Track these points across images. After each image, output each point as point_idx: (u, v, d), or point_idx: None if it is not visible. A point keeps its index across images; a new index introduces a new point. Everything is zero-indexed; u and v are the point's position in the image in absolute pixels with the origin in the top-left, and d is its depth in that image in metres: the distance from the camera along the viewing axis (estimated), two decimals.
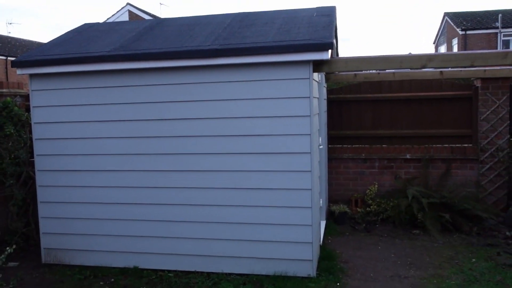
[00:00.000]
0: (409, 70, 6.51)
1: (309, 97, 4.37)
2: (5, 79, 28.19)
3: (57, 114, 4.97)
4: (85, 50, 4.88)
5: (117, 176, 4.91)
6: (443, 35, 32.65)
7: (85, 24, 6.16)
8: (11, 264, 5.21)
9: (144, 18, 23.71)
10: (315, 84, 4.78)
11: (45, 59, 4.82)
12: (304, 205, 4.49)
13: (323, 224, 6.13)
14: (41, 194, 5.14)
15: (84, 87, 4.87)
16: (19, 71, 4.95)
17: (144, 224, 4.89)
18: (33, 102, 5.03)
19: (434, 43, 36.06)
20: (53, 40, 5.56)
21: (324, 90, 6.52)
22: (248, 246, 4.68)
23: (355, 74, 6.64)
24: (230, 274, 4.73)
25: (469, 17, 28.84)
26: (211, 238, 4.76)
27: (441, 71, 6.45)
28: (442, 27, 32.87)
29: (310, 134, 4.40)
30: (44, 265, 5.16)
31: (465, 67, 4.54)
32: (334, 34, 4.44)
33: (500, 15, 26.73)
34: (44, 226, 5.18)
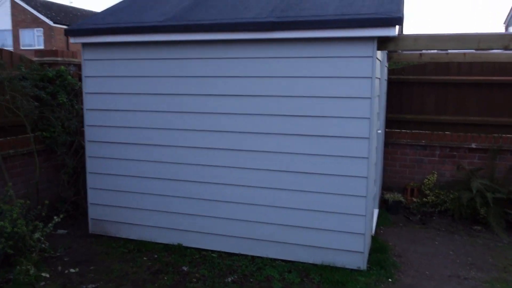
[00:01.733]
0: (482, 51, 5.90)
1: (371, 77, 3.99)
2: (65, 48, 29.21)
3: (107, 84, 4.90)
4: (138, 20, 4.73)
5: (164, 151, 4.79)
6: None
7: None
8: (60, 231, 5.30)
9: None
10: (378, 64, 4.39)
11: (97, 28, 4.73)
12: (358, 194, 4.18)
13: (376, 213, 5.79)
14: (90, 165, 5.14)
15: (135, 58, 4.75)
16: (72, 40, 4.91)
17: (189, 201, 4.78)
18: (84, 71, 4.98)
19: (504, 23, 33.52)
20: (108, 8, 5.46)
21: (386, 70, 6.06)
22: (296, 232, 4.45)
23: (420, 54, 6.12)
24: (275, 259, 4.54)
25: None
26: (257, 221, 4.57)
27: None
28: None
29: (369, 118, 4.05)
30: (91, 235, 5.20)
31: None
32: (402, 8, 4.01)
33: None
34: (92, 196, 5.20)
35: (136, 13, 4.98)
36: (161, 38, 4.48)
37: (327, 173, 4.26)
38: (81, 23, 4.99)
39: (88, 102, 5.02)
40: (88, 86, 4.99)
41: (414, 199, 6.51)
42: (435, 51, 6.05)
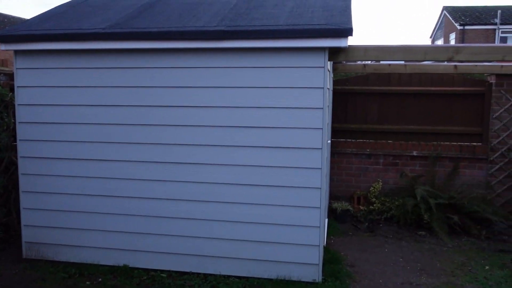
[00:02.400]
0: (422, 62, 6.15)
1: (323, 87, 3.98)
2: None
3: (44, 95, 4.52)
4: (77, 26, 4.42)
5: (108, 166, 4.49)
6: (441, 29, 32.37)
7: None
8: None
9: None
10: (327, 74, 4.40)
11: (32, 34, 4.35)
12: (312, 205, 4.13)
13: (325, 223, 5.79)
14: (24, 183, 4.70)
15: (75, 67, 4.42)
16: (3, 47, 4.47)
17: (135, 219, 4.50)
18: (17, 81, 4.56)
19: (430, 37, 35.80)
20: (42, 13, 5.07)
21: (331, 81, 6.14)
22: (249, 246, 4.32)
23: (364, 64, 6.27)
24: (228, 276, 4.37)
25: (468, 12, 28.55)
26: (209, 237, 4.38)
27: (455, 65, 6.10)
28: (440, 21, 32.56)
29: (322, 128, 4.03)
30: (25, 260, 4.75)
31: (489, 61, 4.19)
32: (351, 19, 4.05)
33: (499, 11, 26.45)
34: (26, 218, 4.75)
35: (76, 19, 4.67)
36: (104, 46, 4.21)
37: (280, 185, 4.18)
38: (13, 28, 4.58)
39: (21, 114, 4.60)
40: (21, 97, 4.58)
41: (361, 207, 6.62)
42: (379, 62, 6.23)
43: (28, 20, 4.86)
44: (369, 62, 6.20)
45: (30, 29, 4.47)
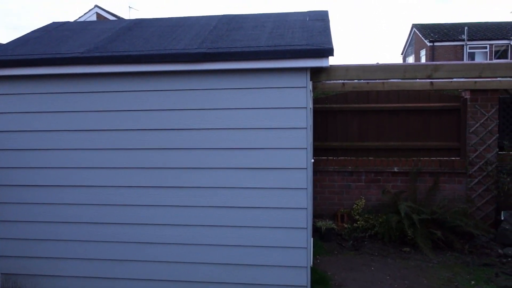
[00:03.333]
0: (398, 80, 6.26)
1: (306, 107, 3.99)
2: None
3: (18, 121, 4.38)
4: (55, 51, 4.33)
5: (87, 192, 4.35)
6: (411, 46, 33.27)
7: (54, 23, 5.59)
8: None
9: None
10: (309, 94, 4.41)
11: (8, 60, 4.23)
12: (299, 226, 4.09)
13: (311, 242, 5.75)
14: None
15: (51, 92, 4.30)
16: None
17: (118, 246, 4.36)
18: None
19: (402, 54, 36.71)
20: (16, 39, 4.96)
21: (311, 100, 6.17)
22: (237, 270, 4.22)
23: (343, 83, 6.33)
24: None
25: (436, 29, 29.48)
26: (194, 261, 4.27)
27: (431, 82, 6.24)
28: (410, 38, 33.49)
29: (306, 148, 4.02)
30: None
31: (470, 77, 4.25)
32: (331, 39, 4.09)
33: (466, 28, 27.42)
34: (1, 248, 4.55)
35: (53, 44, 4.58)
36: (83, 70, 4.12)
37: (265, 206, 4.12)
38: None
39: None
40: None
41: (345, 225, 6.61)
42: (358, 80, 6.31)
43: (2, 45, 4.74)
44: (348, 80, 6.27)
45: (5, 54, 4.36)
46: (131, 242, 4.34)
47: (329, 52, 3.79)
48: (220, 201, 4.17)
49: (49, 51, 4.36)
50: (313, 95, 6.94)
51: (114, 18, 23.37)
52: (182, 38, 4.46)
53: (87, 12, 23.66)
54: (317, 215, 6.86)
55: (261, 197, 4.11)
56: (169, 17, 5.44)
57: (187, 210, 4.23)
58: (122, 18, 23.61)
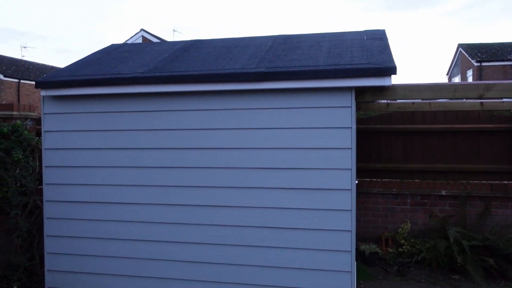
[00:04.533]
0: (446, 100, 6.07)
1: (351, 127, 3.92)
2: (16, 102, 28.18)
3: (70, 139, 4.56)
4: (116, 71, 4.49)
5: (134, 209, 4.44)
6: (457, 66, 32.40)
7: (113, 45, 5.81)
8: None
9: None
10: (354, 113, 4.35)
11: (74, 80, 4.41)
12: (343, 249, 3.98)
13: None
14: (49, 227, 4.67)
15: (107, 111, 4.46)
16: (43, 92, 4.52)
17: (161, 264, 4.40)
18: (45, 126, 4.63)
19: (447, 74, 35.82)
20: (79, 60, 5.18)
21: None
22: None
23: (387, 103, 6.21)
24: None
25: (484, 49, 28.60)
26: (237, 282, 4.24)
27: (481, 102, 6.00)
28: (456, 58, 32.65)
29: (351, 169, 3.94)
30: None
31: None
32: (393, 58, 4.02)
33: None
34: (50, 262, 4.69)
35: (113, 65, 4.76)
36: (143, 89, 4.24)
37: (309, 227, 4.06)
38: (52, 75, 4.66)
39: (48, 158, 4.63)
40: (47, 141, 4.62)
41: (390, 250, 6.37)
42: (403, 100, 6.17)
43: (67, 66, 4.94)
44: (391, 100, 6.13)
45: (70, 75, 4.55)
46: (174, 261, 4.36)
47: (392, 70, 3.72)
48: (262, 221, 4.13)
49: (111, 71, 4.53)
50: (356, 115, 6.84)
51: (158, 41, 24.15)
52: (239, 58, 4.51)
53: (133, 36, 24.59)
54: (360, 238, 6.67)
55: (304, 218, 4.05)
56: (223, 38, 5.53)
57: (230, 229, 4.22)
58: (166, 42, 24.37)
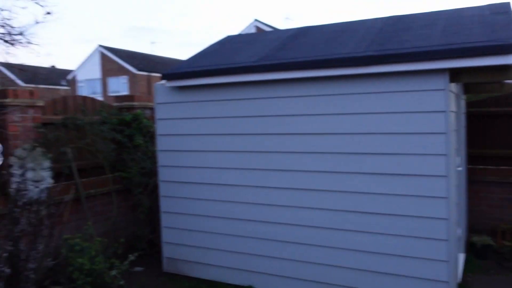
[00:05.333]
0: None
1: (446, 111, 3.75)
2: (147, 93, 31.22)
3: (180, 126, 5.06)
4: (230, 61, 4.82)
5: (236, 191, 4.80)
6: None
7: (228, 36, 6.16)
8: (137, 268, 5.44)
9: None
10: (452, 96, 4.14)
11: (193, 71, 4.81)
12: (438, 237, 3.85)
13: (461, 257, 5.30)
14: (164, 204, 5.28)
15: (217, 100, 4.80)
16: (168, 84, 5.01)
17: (261, 242, 4.70)
18: (158, 114, 5.21)
19: None
20: (198, 52, 5.59)
21: (463, 103, 5.71)
22: (370, 276, 4.18)
23: (501, 83, 5.68)
24: None
25: None
26: (329, 264, 4.36)
27: None
28: None
29: (446, 155, 3.77)
30: (165, 274, 5.28)
31: None
32: None
33: None
34: (165, 235, 5.31)
35: (227, 55, 5.09)
36: (254, 78, 4.47)
37: (401, 214, 4.00)
38: (176, 67, 5.15)
39: (161, 143, 5.22)
40: (160, 128, 5.20)
41: (506, 243, 5.89)
42: None
43: (187, 59, 5.39)
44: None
45: (190, 66, 4.97)
46: (273, 240, 4.63)
47: None
48: (353, 206, 4.18)
49: (225, 62, 4.86)
50: (467, 98, 6.39)
51: (270, 30, 24.65)
52: (348, 42, 4.50)
53: (247, 26, 25.53)
54: (472, 229, 6.26)
55: (396, 204, 4.00)
56: (333, 23, 5.52)
57: (322, 213, 4.34)
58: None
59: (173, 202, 5.21)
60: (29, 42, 3.89)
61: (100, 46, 34.39)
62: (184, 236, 5.17)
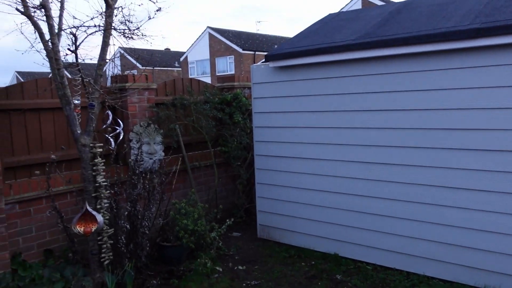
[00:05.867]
0: None
1: None
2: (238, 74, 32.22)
3: (274, 104, 5.45)
4: (330, 40, 4.92)
5: (324, 164, 5.09)
6: None
7: (329, 15, 6.27)
8: (235, 234, 6.05)
9: (376, 4, 23.40)
10: None
11: (293, 51, 5.04)
12: None
13: None
14: (258, 176, 5.77)
15: (317, 78, 4.99)
16: (271, 64, 5.31)
17: (347, 213, 4.96)
18: (254, 93, 5.66)
19: None
20: (300, 32, 5.79)
21: None
22: (457, 251, 4.23)
23: None
24: (432, 278, 4.38)
25: None
26: (415, 237, 4.48)
27: None
28: None
29: None
30: (259, 239, 5.81)
31: None
32: None
33: None
34: (259, 204, 5.82)
35: (328, 34, 5.20)
36: (353, 56, 4.58)
37: (493, 190, 3.96)
38: (279, 48, 5.46)
39: (256, 120, 5.68)
40: (256, 106, 5.65)
41: None
42: None
43: (290, 39, 5.71)
44: None
45: (292, 47, 5.24)
46: (357, 212, 4.88)
47: None
48: (446, 181, 4.23)
49: (325, 40, 5.02)
50: None
51: (379, 1, 23.76)
52: (453, 15, 4.38)
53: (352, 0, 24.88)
54: None
55: (489, 180, 3.97)
56: None
57: (409, 188, 4.46)
58: (391, 2, 23.73)
59: (266, 174, 5.67)
60: (143, 35, 4.47)
61: (209, 27, 36.15)
62: (276, 205, 5.62)
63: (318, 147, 5.11)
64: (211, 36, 36.19)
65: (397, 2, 5.66)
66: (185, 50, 39.88)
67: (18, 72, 50.61)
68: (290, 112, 5.32)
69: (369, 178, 4.74)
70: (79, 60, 4.15)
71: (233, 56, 34.57)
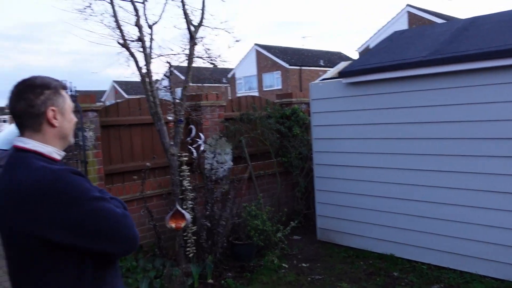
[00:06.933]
0: None
1: None
2: (298, 87, 32.85)
3: (334, 118, 5.98)
4: (400, 57, 5.25)
5: (381, 172, 5.55)
6: None
7: (395, 32, 6.68)
8: (295, 237, 6.61)
9: (425, 18, 23.46)
10: None
11: (365, 68, 5.47)
12: None
13: None
14: (318, 184, 6.32)
15: (386, 93, 5.39)
16: (343, 80, 5.73)
17: (402, 217, 5.39)
18: (312, 108, 6.24)
19: None
20: (369, 51, 6.25)
21: None
22: (507, 251, 4.58)
23: None
24: (484, 276, 4.74)
25: None
26: (468, 238, 4.86)
27: None
28: None
29: None
30: (318, 242, 6.33)
31: None
32: None
33: None
34: (319, 209, 6.35)
35: (397, 52, 5.57)
36: (427, 71, 4.91)
37: None
38: (350, 65, 5.91)
39: (316, 132, 6.25)
40: (315, 120, 6.23)
41: None
42: None
43: (360, 57, 6.21)
44: None
45: (363, 64, 5.68)
46: (411, 215, 5.31)
47: None
48: (489, 186, 4.61)
49: (396, 58, 5.32)
50: None
51: (427, 15, 23.78)
52: None
53: (399, 13, 25.08)
54: None
55: None
56: (502, 11, 5.56)
57: (458, 192, 4.86)
58: (436, 14, 23.72)
59: (325, 182, 6.21)
60: (223, 61, 5.24)
61: (256, 44, 37.19)
62: (334, 210, 6.14)
63: (380, 156, 5.54)
64: (258, 53, 37.21)
65: (463, 19, 5.92)
66: (232, 67, 41.15)
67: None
68: (351, 125, 5.78)
69: (427, 184, 5.14)
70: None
71: (279, 71, 35.36)
